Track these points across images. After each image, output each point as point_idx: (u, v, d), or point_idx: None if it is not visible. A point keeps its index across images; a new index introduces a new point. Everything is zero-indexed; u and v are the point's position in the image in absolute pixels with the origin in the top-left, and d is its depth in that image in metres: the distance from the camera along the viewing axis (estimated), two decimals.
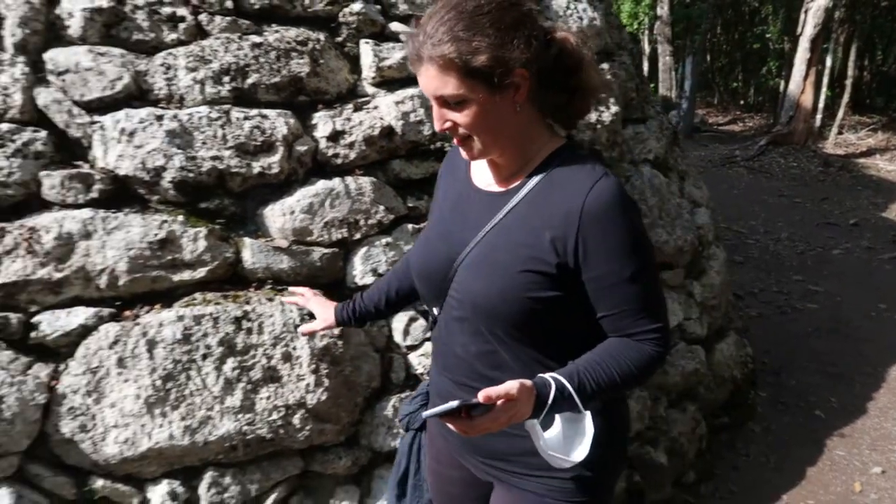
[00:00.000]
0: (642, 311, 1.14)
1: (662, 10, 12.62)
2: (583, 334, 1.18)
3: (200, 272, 1.80)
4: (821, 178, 9.28)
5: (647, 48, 16.06)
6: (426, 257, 1.30)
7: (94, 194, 1.76)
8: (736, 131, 13.92)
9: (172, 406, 1.70)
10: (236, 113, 1.89)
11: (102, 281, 1.72)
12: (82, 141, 1.80)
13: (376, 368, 1.93)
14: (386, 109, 2.05)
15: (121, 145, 1.78)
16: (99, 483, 1.69)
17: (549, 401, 1.07)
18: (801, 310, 4.63)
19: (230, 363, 1.75)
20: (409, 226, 2.06)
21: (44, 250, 1.68)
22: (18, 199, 1.72)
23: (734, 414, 3.15)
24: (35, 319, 1.69)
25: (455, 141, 1.18)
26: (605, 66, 2.74)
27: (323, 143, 1.98)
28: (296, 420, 1.79)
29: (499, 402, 1.01)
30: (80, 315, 1.70)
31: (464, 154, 1.19)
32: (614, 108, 2.61)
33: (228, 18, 1.98)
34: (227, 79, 1.91)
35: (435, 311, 1.31)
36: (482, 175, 1.26)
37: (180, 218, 1.80)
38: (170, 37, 1.92)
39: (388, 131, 2.03)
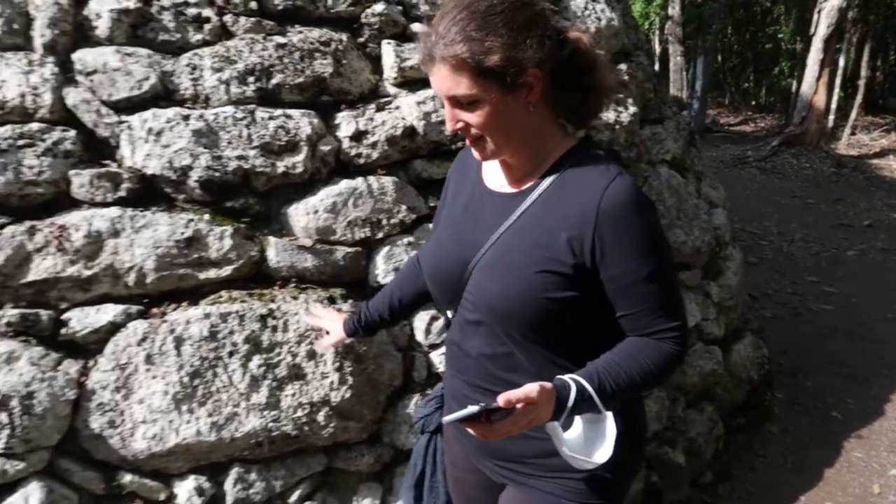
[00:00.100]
0: (661, 309, 1.14)
1: (674, 10, 12.58)
2: (599, 335, 1.18)
3: (226, 270, 1.82)
4: (834, 179, 9.24)
5: (657, 48, 16.02)
6: (438, 260, 1.29)
7: (122, 193, 1.78)
8: (747, 132, 13.87)
9: (199, 402, 1.72)
10: (261, 113, 1.91)
11: (131, 278, 1.74)
12: (110, 140, 1.82)
13: (398, 367, 1.95)
14: (408, 110, 2.06)
15: (148, 145, 1.80)
16: (127, 478, 1.71)
17: (570, 403, 1.07)
18: (816, 311, 4.62)
19: (256, 360, 1.77)
20: (431, 225, 2.07)
21: (73, 248, 1.70)
22: (48, 197, 1.74)
23: (751, 415, 3.14)
24: (65, 316, 1.71)
25: (467, 141, 1.17)
26: (622, 66, 2.75)
27: (346, 143, 1.99)
28: (320, 417, 1.81)
29: (519, 406, 1.01)
30: (108, 312, 1.72)
31: (476, 155, 1.19)
32: (632, 109, 2.61)
33: (253, 19, 2.00)
34: (251, 79, 1.92)
35: (448, 313, 1.31)
36: (494, 176, 1.26)
37: (206, 217, 1.82)
38: (195, 37, 1.94)
39: (410, 131, 2.04)
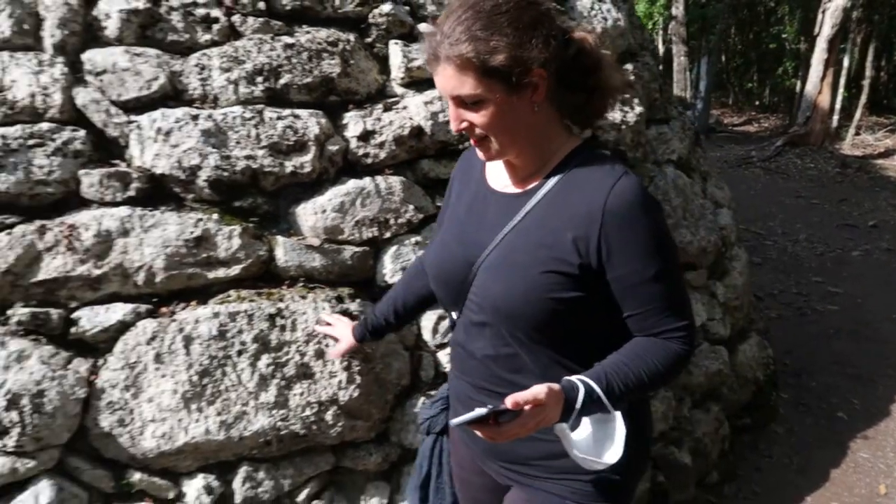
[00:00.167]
0: (668, 309, 1.13)
1: (677, 10, 12.55)
2: (604, 335, 1.18)
3: (235, 270, 1.82)
4: (838, 180, 9.22)
5: (661, 48, 16.00)
6: (443, 261, 1.29)
7: (131, 192, 1.79)
8: (751, 132, 13.85)
9: (208, 401, 1.72)
10: (269, 113, 1.91)
11: (140, 278, 1.75)
12: (119, 140, 1.83)
13: (406, 366, 1.95)
14: (415, 109, 2.07)
15: (157, 144, 1.81)
16: (136, 476, 1.71)
17: (578, 404, 1.06)
18: (821, 311, 4.61)
19: (264, 360, 1.77)
20: (435, 226, 2.08)
21: (83, 247, 1.71)
22: (58, 196, 1.75)
23: (756, 415, 3.14)
24: (75, 315, 1.72)
25: (471, 141, 1.17)
26: (628, 66, 2.75)
27: (353, 143, 2.00)
28: (328, 416, 1.81)
29: (527, 408, 1.01)
30: (118, 311, 1.73)
31: (480, 155, 1.19)
32: (639, 109, 2.62)
33: (261, 19, 2.00)
34: (260, 79, 1.93)
35: (453, 314, 1.30)
36: (498, 176, 1.25)
37: (215, 216, 1.83)
38: (204, 38, 1.95)
39: (417, 131, 2.05)
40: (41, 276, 1.69)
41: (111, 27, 1.87)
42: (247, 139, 1.86)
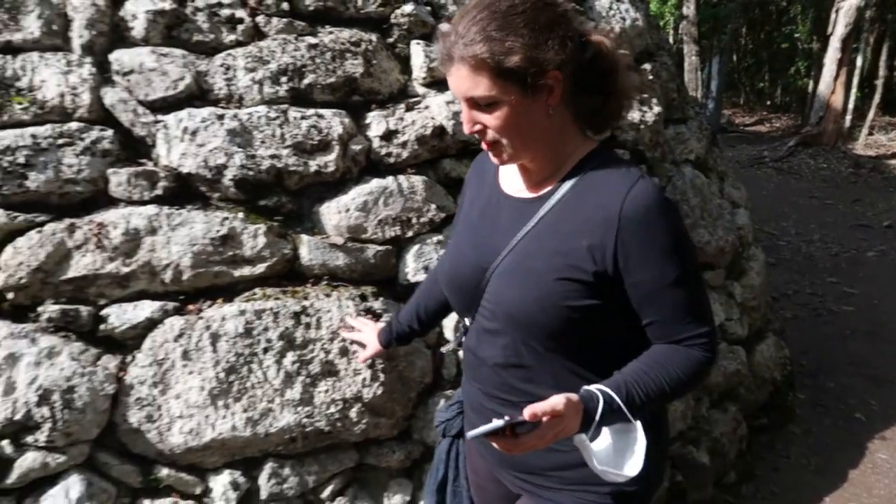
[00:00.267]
0: (688, 315, 1.10)
1: (689, 9, 12.52)
2: (621, 343, 1.15)
3: (260, 268, 1.84)
4: (852, 180, 9.17)
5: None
6: (456, 266, 1.27)
7: (158, 191, 1.81)
8: (763, 132, 13.79)
9: (235, 398, 1.74)
10: (293, 112, 1.93)
11: (167, 275, 1.77)
12: (146, 139, 1.85)
13: (428, 364, 1.96)
14: (437, 109, 2.08)
15: (183, 144, 1.83)
16: (164, 472, 1.73)
17: (598, 415, 1.03)
18: (836, 312, 4.59)
19: (290, 357, 1.79)
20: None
21: (112, 245, 1.73)
22: (87, 195, 1.77)
23: (773, 415, 3.14)
24: (104, 312, 1.74)
25: (483, 145, 1.14)
26: (646, 66, 2.75)
27: (376, 143, 2.01)
28: (353, 413, 1.83)
29: (545, 419, 0.98)
30: (146, 308, 1.75)
31: (493, 159, 1.16)
32: (657, 109, 2.62)
33: (285, 20, 2.02)
34: (284, 79, 1.95)
35: (466, 320, 1.29)
36: (512, 180, 1.23)
37: (240, 215, 1.84)
38: (229, 38, 1.97)
39: (439, 131, 2.06)
40: (71, 273, 1.71)
41: (138, 28, 1.89)
42: (271, 139, 1.88)
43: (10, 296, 1.69)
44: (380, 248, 1.97)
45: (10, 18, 1.80)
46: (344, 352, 1.84)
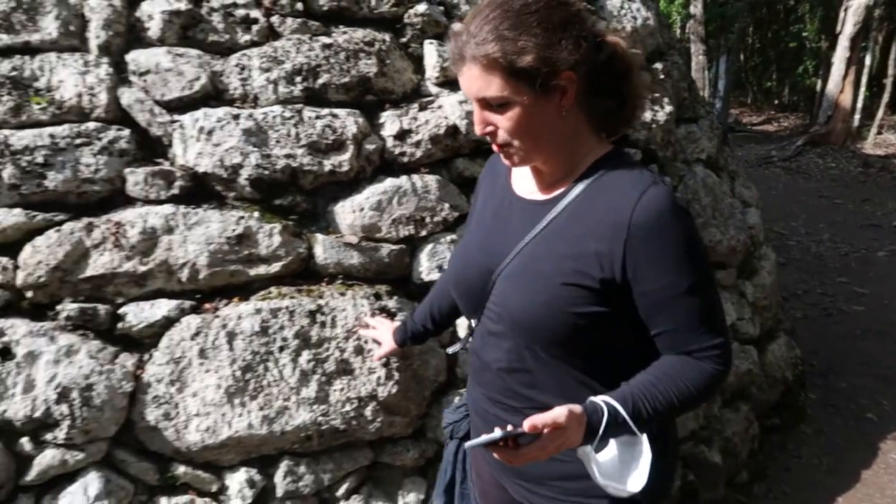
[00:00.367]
0: (701, 326, 1.07)
1: (696, 8, 12.48)
2: (628, 352, 1.13)
3: (275, 267, 1.85)
4: (861, 179, 9.13)
5: None
6: (464, 267, 1.26)
7: (174, 191, 1.82)
8: (770, 131, 13.74)
9: (251, 396, 1.75)
10: (308, 112, 1.94)
11: (184, 274, 1.78)
12: (163, 139, 1.86)
13: (442, 363, 1.97)
14: (450, 109, 2.08)
15: (199, 143, 1.84)
16: (180, 469, 1.75)
17: (601, 428, 1.00)
18: (846, 312, 4.57)
19: (305, 355, 1.80)
20: None
21: (129, 244, 1.74)
22: (104, 194, 1.78)
23: (785, 415, 3.13)
24: (121, 311, 1.75)
25: (494, 147, 1.12)
26: (658, 65, 2.75)
27: (390, 142, 2.02)
28: (367, 412, 1.83)
29: (546, 431, 0.96)
30: (163, 307, 1.76)
31: (504, 161, 1.14)
32: (669, 108, 2.62)
33: (299, 20, 2.03)
34: (299, 79, 1.95)
35: (473, 322, 1.28)
36: (524, 182, 1.21)
37: (256, 214, 1.85)
38: (244, 38, 1.98)
39: (452, 130, 2.07)
40: (89, 272, 1.72)
41: (154, 28, 1.90)
42: (286, 138, 1.89)
43: (30, 294, 1.70)
44: (394, 247, 1.97)
45: (28, 19, 1.81)
46: (359, 350, 1.85)
